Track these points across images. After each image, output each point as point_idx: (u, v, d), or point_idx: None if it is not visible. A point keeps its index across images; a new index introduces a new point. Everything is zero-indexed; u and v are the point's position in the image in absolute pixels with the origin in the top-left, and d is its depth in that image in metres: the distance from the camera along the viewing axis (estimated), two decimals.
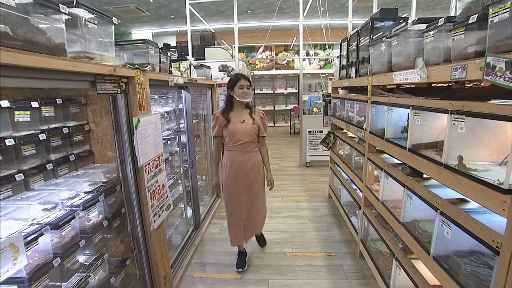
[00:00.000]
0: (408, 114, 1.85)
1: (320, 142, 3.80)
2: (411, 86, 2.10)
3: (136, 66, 1.75)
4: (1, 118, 1.27)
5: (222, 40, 7.65)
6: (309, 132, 5.38)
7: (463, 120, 1.17)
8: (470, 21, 1.07)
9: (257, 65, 11.22)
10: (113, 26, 1.49)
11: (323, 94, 3.81)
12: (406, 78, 1.66)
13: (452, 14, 4.20)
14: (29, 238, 1.16)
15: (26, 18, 0.98)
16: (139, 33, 9.89)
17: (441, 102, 1.34)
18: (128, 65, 1.68)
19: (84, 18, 1.25)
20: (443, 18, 1.28)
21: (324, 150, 5.05)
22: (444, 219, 1.30)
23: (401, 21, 2.22)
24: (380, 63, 2.07)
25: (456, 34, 1.18)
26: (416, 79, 1.54)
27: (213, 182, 2.48)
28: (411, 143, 1.65)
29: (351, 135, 3.10)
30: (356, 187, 2.71)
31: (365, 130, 2.35)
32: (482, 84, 1.47)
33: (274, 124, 11.11)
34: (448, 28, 1.25)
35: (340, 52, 3.23)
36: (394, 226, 1.85)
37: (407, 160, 1.67)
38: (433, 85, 1.92)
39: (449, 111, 1.24)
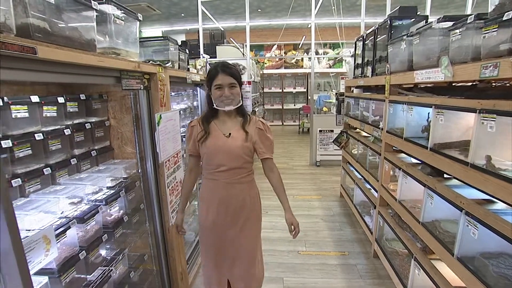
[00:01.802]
0: (429, 113, 1.83)
1: (333, 141, 3.78)
2: (430, 85, 2.07)
3: (158, 62, 1.77)
4: (32, 113, 1.28)
5: (231, 39, 7.65)
6: (320, 131, 5.35)
7: (494, 119, 1.15)
8: (505, 18, 1.05)
9: (266, 63, 11.23)
10: (138, 23, 1.50)
11: (336, 93, 3.79)
12: (429, 77, 1.64)
13: (468, 12, 4.13)
14: (58, 231, 1.17)
15: (61, 15, 0.99)
16: (149, 31, 9.95)
17: (468, 101, 1.32)
18: (151, 62, 1.69)
19: (112, 15, 1.26)
20: (472, 16, 1.26)
21: (335, 149, 5.07)
22: (470, 220, 1.28)
23: (419, 19, 2.19)
24: (399, 62, 2.05)
25: (487, 31, 1.16)
26: (440, 78, 1.52)
27: (174, 220, 1.67)
28: (432, 143, 1.63)
29: (365, 134, 3.08)
30: (370, 187, 2.69)
31: (382, 129, 2.33)
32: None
33: (283, 123, 11.08)
34: (478, 25, 1.22)
35: (355, 51, 3.20)
36: (412, 226, 1.83)
37: (429, 160, 1.65)
38: (453, 84, 1.89)
39: (478, 110, 1.23)
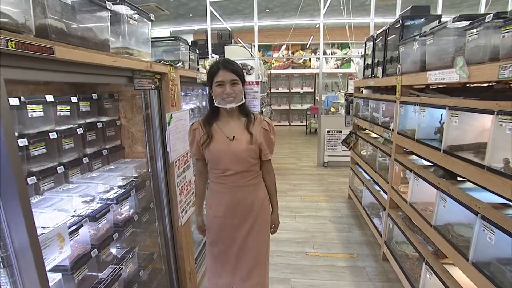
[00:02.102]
0: (442, 114, 1.80)
1: (341, 142, 3.75)
2: (442, 86, 2.04)
3: (169, 62, 1.77)
4: (47, 112, 1.30)
5: (239, 39, 7.67)
6: (328, 132, 5.32)
7: None
8: None
9: (273, 63, 11.20)
10: (150, 23, 1.50)
11: (345, 94, 3.76)
12: (443, 78, 1.61)
13: (482, 11, 4.04)
14: (71, 229, 1.19)
15: (77, 15, 1.00)
16: (157, 31, 10.03)
17: (484, 102, 1.29)
18: (162, 62, 1.70)
19: (126, 15, 1.27)
20: (491, 14, 1.23)
21: (343, 150, 5.03)
22: (487, 224, 1.25)
23: (432, 19, 2.15)
24: (411, 62, 2.01)
25: (507, 30, 1.13)
26: (455, 79, 1.49)
27: (196, 224, 1.66)
28: (446, 144, 1.60)
29: (375, 135, 3.04)
30: (379, 189, 2.66)
31: (392, 130, 2.30)
32: None
33: (290, 124, 11.07)
34: (497, 24, 1.20)
35: (365, 51, 3.17)
36: (424, 229, 1.80)
37: (442, 162, 1.62)
38: (467, 85, 1.85)
39: (496, 112, 1.20)
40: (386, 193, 2.44)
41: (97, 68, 1.15)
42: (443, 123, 1.66)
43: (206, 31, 5.09)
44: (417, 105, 1.90)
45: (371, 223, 2.88)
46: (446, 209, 1.61)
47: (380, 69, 2.60)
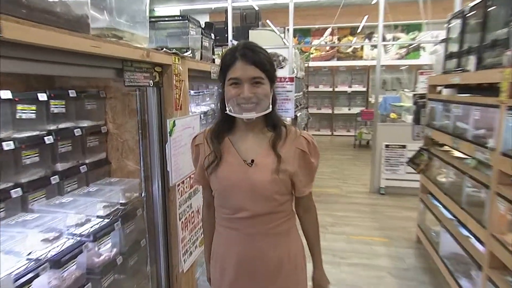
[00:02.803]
0: None
1: (407, 162, 3.53)
2: None
3: (174, 51, 1.73)
4: (2, 114, 1.26)
5: (268, 21, 7.64)
6: (386, 146, 5.10)
7: None
8: None
9: (312, 53, 11.02)
10: None
11: (414, 95, 3.55)
12: None
13: None
14: (21, 281, 1.11)
15: None
16: (163, 10, 10.28)
17: None
18: (164, 50, 1.65)
19: None
20: None
21: (408, 172, 4.84)
22: None
23: None
24: None
25: None
26: None
27: (206, 274, 1.54)
28: None
29: (460, 155, 2.80)
30: (470, 235, 2.40)
31: (492, 149, 2.06)
32: None
33: (332, 133, 10.87)
34: None
35: (447, 34, 2.97)
36: None
37: None
38: None
39: None
40: (482, 243, 2.18)
41: (70, 55, 1.09)
42: None
43: (226, 11, 5.07)
44: None
45: (456, 284, 2.59)
46: None
47: (472, 58, 2.39)
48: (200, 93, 2.86)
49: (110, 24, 1.23)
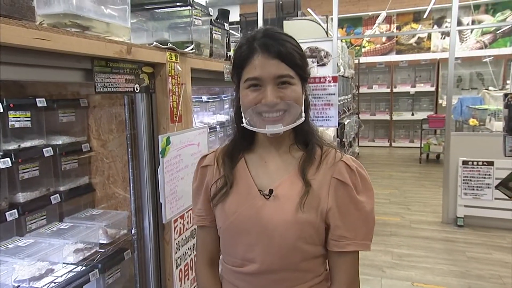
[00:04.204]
0: None
1: (497, 186, 3.19)
2: None
3: (170, 45, 1.67)
4: None
5: (309, 10, 7.49)
6: (465, 163, 4.78)
7: None
8: None
9: (365, 47, 11.01)
10: None
11: (505, 95, 3.25)
12: None
13: None
14: None
15: None
16: None
17: None
18: (155, 44, 1.59)
19: None
20: None
21: (497, 198, 4.58)
22: None
23: None
24: None
25: None
26: None
27: None
28: None
29: None
30: None
31: None
32: None
33: (391, 144, 10.70)
34: None
35: None
36: None
37: None
38: None
39: None
40: None
41: (11, 51, 1.00)
42: None
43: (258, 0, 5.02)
44: None
45: None
46: None
47: None
48: (216, 99, 2.84)
49: (69, 9, 1.12)
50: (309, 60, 4.40)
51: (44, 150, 1.60)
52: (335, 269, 1.11)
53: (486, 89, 7.00)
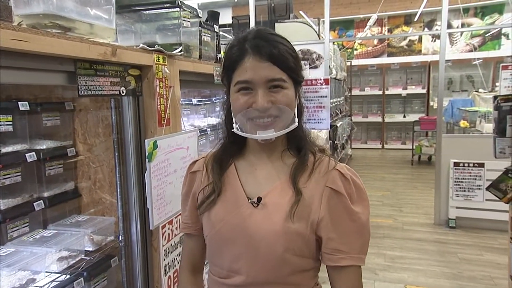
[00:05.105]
0: None
1: (488, 188, 3.18)
2: None
3: (157, 47, 1.66)
4: None
5: (301, 12, 7.51)
6: (456, 164, 4.81)
7: None
8: None
9: (357, 49, 11.08)
10: None
11: (495, 97, 3.25)
12: None
13: None
14: None
15: None
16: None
17: None
18: (142, 46, 1.58)
19: None
20: None
21: (488, 199, 4.61)
22: None
23: None
24: None
25: None
26: None
27: None
28: None
29: None
30: None
31: None
32: None
33: (383, 146, 10.76)
34: None
35: None
36: None
37: None
38: None
39: None
40: None
41: None
42: None
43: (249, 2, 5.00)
44: None
45: None
46: None
47: None
48: (207, 102, 2.83)
49: (49, 9, 1.08)
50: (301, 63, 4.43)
51: (27, 155, 1.56)
52: (336, 286, 1.05)
53: (476, 91, 7.08)
